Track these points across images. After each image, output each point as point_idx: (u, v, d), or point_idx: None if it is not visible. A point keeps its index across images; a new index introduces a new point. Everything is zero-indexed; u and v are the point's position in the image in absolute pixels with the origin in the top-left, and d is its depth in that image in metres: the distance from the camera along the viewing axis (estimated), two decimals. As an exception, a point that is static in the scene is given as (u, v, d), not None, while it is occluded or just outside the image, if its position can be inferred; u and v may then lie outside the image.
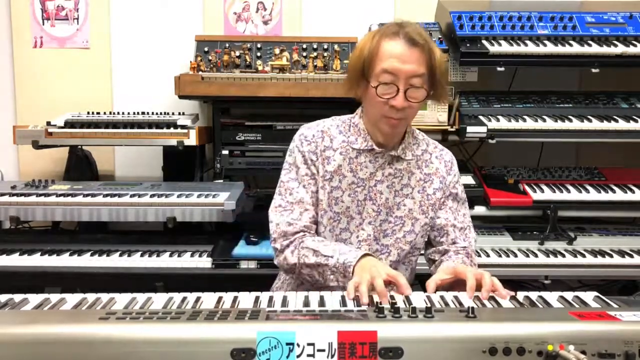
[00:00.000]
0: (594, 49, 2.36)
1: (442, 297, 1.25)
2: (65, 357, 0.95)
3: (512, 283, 2.42)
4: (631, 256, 2.25)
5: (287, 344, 0.94)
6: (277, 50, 2.58)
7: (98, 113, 2.55)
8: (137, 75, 2.86)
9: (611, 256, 2.24)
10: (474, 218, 2.39)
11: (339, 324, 0.97)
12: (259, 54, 2.63)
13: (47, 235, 2.51)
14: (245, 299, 1.23)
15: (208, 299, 1.22)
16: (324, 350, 0.94)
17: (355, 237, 1.54)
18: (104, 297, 1.23)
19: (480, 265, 2.17)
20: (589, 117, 2.39)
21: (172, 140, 2.40)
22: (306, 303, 1.21)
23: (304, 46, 2.65)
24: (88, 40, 2.86)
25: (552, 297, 1.26)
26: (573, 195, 2.35)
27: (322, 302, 1.21)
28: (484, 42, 2.38)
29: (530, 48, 2.36)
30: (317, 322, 1.00)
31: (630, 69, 2.65)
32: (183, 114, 2.58)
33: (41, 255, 2.21)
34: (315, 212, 1.53)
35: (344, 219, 1.53)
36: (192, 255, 2.21)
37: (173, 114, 2.55)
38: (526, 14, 2.48)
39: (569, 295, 1.27)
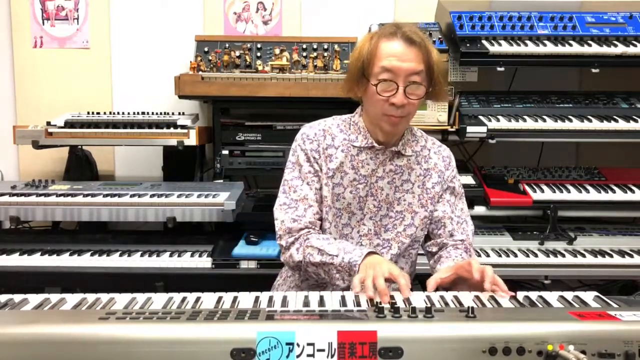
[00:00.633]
0: (594, 49, 2.36)
1: (442, 297, 1.25)
2: (65, 357, 0.95)
3: (512, 283, 2.41)
4: (631, 256, 2.25)
5: (287, 343, 0.94)
6: (277, 50, 2.58)
7: (98, 113, 2.55)
8: (137, 75, 2.86)
9: (611, 256, 2.24)
10: (474, 218, 2.39)
11: (339, 324, 0.97)
12: (259, 54, 2.63)
13: (47, 235, 2.50)
14: (245, 299, 1.23)
15: (208, 299, 1.22)
16: (323, 350, 0.94)
17: (356, 232, 1.56)
18: (104, 297, 1.23)
19: (480, 265, 2.18)
20: (589, 117, 2.39)
21: (172, 140, 2.40)
22: (306, 303, 1.21)
23: (304, 46, 2.65)
24: (88, 40, 2.86)
25: (552, 297, 1.26)
26: (573, 195, 2.34)
27: (322, 302, 1.21)
28: (484, 42, 2.38)
29: (530, 48, 2.36)
30: (317, 322, 1.00)
31: (630, 69, 2.65)
32: (183, 114, 2.58)
33: (41, 255, 2.21)
34: (319, 209, 1.55)
35: (345, 214, 1.56)
36: (192, 255, 2.21)
37: (173, 114, 2.56)
38: (526, 14, 2.48)
39: (569, 295, 1.27)
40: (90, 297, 1.23)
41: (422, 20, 2.61)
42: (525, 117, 2.39)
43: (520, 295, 1.26)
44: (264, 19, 2.87)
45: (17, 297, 1.22)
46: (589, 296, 1.26)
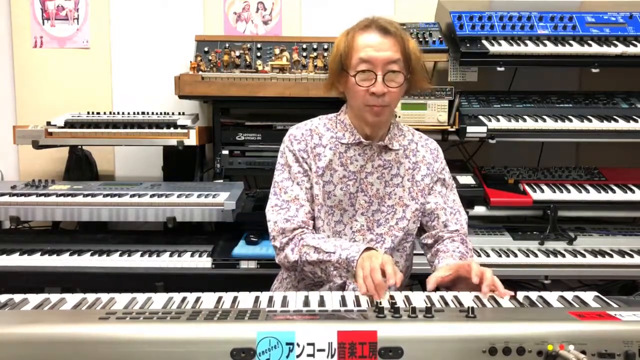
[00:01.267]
0: (594, 49, 2.36)
1: (442, 297, 1.25)
2: (65, 357, 0.95)
3: (512, 283, 2.42)
4: (631, 256, 2.24)
5: (287, 343, 0.94)
6: (277, 50, 2.58)
7: (98, 113, 2.55)
8: (137, 75, 2.86)
9: (611, 256, 2.24)
10: (474, 218, 2.42)
11: (339, 324, 0.97)
12: (259, 54, 2.63)
13: (47, 235, 2.50)
14: (245, 299, 1.23)
15: (208, 299, 1.22)
16: (323, 350, 0.94)
17: (349, 228, 1.57)
18: (104, 297, 1.23)
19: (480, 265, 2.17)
20: (589, 117, 2.38)
21: (172, 140, 2.40)
22: (306, 303, 1.21)
23: (304, 46, 2.65)
24: (88, 40, 2.86)
25: (552, 297, 1.26)
26: (573, 195, 2.34)
27: (322, 302, 1.21)
28: (484, 42, 2.38)
29: (530, 48, 2.36)
30: (317, 322, 1.00)
31: (630, 69, 2.65)
32: (183, 114, 2.58)
33: (41, 255, 2.21)
34: (311, 208, 1.56)
35: (337, 212, 1.57)
36: (192, 255, 2.21)
37: (173, 114, 2.56)
38: (526, 14, 2.48)
39: (569, 295, 1.27)
40: (90, 297, 1.23)
41: (422, 20, 2.61)
42: (525, 117, 2.39)
43: (520, 295, 1.26)
44: (264, 19, 2.87)
45: (17, 297, 1.22)
46: (589, 296, 1.26)
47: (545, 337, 0.96)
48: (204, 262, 2.17)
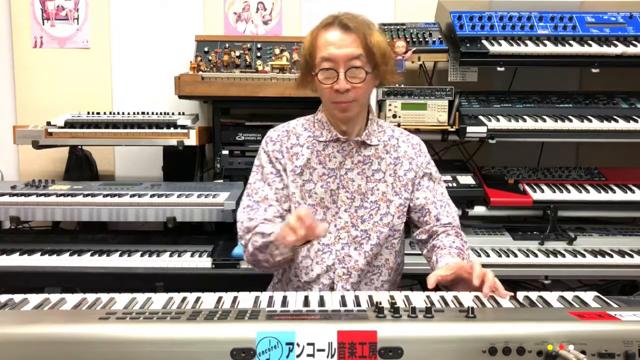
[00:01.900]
0: (594, 49, 2.36)
1: (442, 297, 1.25)
2: (65, 357, 0.95)
3: (512, 283, 2.42)
4: (631, 256, 2.24)
5: (287, 343, 0.94)
6: (277, 50, 2.58)
7: (98, 113, 2.55)
8: (137, 75, 2.86)
9: (611, 256, 2.24)
10: (474, 218, 2.42)
11: (339, 324, 0.97)
12: (259, 54, 2.63)
13: (47, 235, 2.51)
14: (245, 299, 1.23)
15: (208, 299, 1.22)
16: (323, 350, 0.94)
17: (333, 226, 1.57)
18: (104, 297, 1.23)
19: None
20: (589, 117, 2.38)
21: (172, 140, 2.40)
22: (306, 303, 1.21)
23: (304, 46, 2.64)
24: (88, 40, 2.86)
25: (552, 297, 1.26)
26: (573, 195, 2.34)
27: (322, 302, 1.21)
28: (484, 42, 2.38)
29: (530, 48, 2.36)
30: (317, 322, 1.00)
31: (630, 69, 2.65)
32: (183, 114, 2.58)
33: (41, 255, 2.21)
34: (282, 208, 1.57)
35: (320, 210, 1.58)
36: (192, 255, 2.21)
37: (173, 114, 2.56)
38: (526, 14, 2.48)
39: (569, 295, 1.27)
40: (90, 297, 1.23)
41: (422, 20, 2.61)
42: (525, 117, 2.39)
43: (520, 295, 1.26)
44: (264, 19, 2.87)
45: (17, 297, 1.22)
46: (589, 296, 1.26)
47: (545, 337, 0.96)
48: (204, 262, 2.17)
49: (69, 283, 2.12)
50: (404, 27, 2.52)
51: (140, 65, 2.86)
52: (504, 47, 2.36)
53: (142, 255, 2.21)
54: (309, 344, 0.94)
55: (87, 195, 2.25)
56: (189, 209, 2.20)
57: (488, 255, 2.24)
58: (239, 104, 2.63)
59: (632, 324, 1.00)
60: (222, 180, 2.52)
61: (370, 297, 1.25)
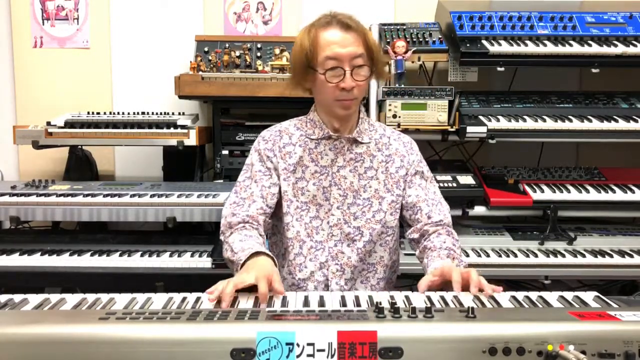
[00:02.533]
0: (594, 49, 2.36)
1: (442, 297, 1.25)
2: (65, 357, 0.95)
3: (512, 283, 2.42)
4: (631, 256, 2.24)
5: (287, 344, 0.94)
6: (277, 50, 2.58)
7: (98, 113, 2.55)
8: (137, 75, 2.86)
9: (611, 256, 2.24)
10: (474, 218, 2.42)
11: (339, 324, 0.97)
12: (259, 54, 2.63)
13: (47, 235, 2.50)
14: (245, 299, 1.23)
15: (208, 299, 1.21)
16: (323, 350, 0.94)
17: (326, 223, 1.59)
18: (104, 297, 1.23)
19: (480, 265, 2.18)
20: (589, 117, 2.38)
21: (172, 140, 2.40)
22: (306, 303, 1.21)
23: (304, 46, 2.64)
24: (88, 40, 2.86)
25: (552, 297, 1.26)
26: (573, 195, 2.34)
27: (321, 302, 1.21)
28: (484, 42, 2.38)
29: (530, 48, 2.36)
30: (317, 322, 1.00)
31: (630, 69, 2.65)
32: (183, 114, 2.58)
33: (41, 255, 2.21)
34: (264, 205, 1.57)
35: (312, 207, 1.59)
36: (192, 255, 2.21)
37: (173, 114, 2.56)
38: (526, 14, 2.48)
39: (569, 295, 1.27)
40: (90, 297, 1.23)
41: (422, 20, 2.61)
42: (525, 117, 2.39)
43: (520, 295, 1.26)
44: (264, 19, 2.87)
45: (17, 297, 1.21)
46: (589, 296, 1.26)
47: (545, 337, 0.96)
48: (204, 262, 2.17)
49: (69, 283, 2.11)
50: (404, 27, 2.52)
51: (140, 65, 2.86)
52: (504, 47, 2.36)
53: (142, 255, 2.21)
54: (309, 344, 0.94)
55: (87, 195, 2.25)
56: (189, 209, 2.20)
57: (488, 255, 2.25)
58: (239, 104, 2.63)
59: (632, 324, 1.00)
60: (222, 180, 2.52)
61: (370, 297, 1.25)
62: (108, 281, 2.14)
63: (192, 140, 2.39)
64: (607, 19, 2.48)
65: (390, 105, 2.34)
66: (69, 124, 2.44)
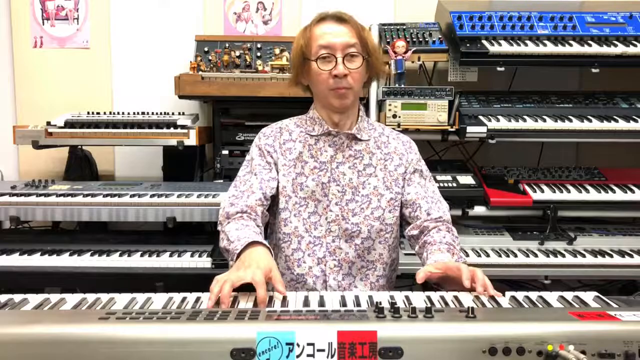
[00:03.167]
0: (594, 49, 2.36)
1: (442, 297, 1.25)
2: (65, 357, 0.95)
3: (512, 283, 2.42)
4: (631, 256, 2.24)
5: (287, 344, 0.94)
6: (277, 50, 2.58)
7: (98, 113, 2.55)
8: (137, 75, 2.86)
9: (611, 256, 2.24)
10: (474, 218, 2.42)
11: (339, 324, 0.97)
12: (259, 54, 2.63)
13: (47, 235, 2.50)
14: (245, 299, 1.23)
15: (208, 299, 1.21)
16: (323, 350, 0.94)
17: (324, 219, 1.60)
18: (104, 297, 1.23)
19: (480, 265, 2.17)
20: (589, 117, 2.38)
21: (172, 140, 2.40)
22: (306, 303, 1.21)
23: (304, 46, 2.64)
24: (88, 40, 2.86)
25: (552, 297, 1.26)
26: (573, 195, 2.34)
27: (322, 302, 1.21)
28: (484, 42, 2.38)
29: (530, 48, 2.36)
30: (317, 322, 1.00)
31: (630, 69, 2.65)
32: (183, 114, 2.58)
33: (41, 255, 2.21)
34: (263, 197, 1.58)
35: (311, 203, 1.60)
36: (192, 255, 2.21)
37: (173, 114, 2.55)
38: (526, 14, 2.48)
39: (569, 295, 1.27)
40: (90, 297, 1.23)
41: (422, 20, 2.61)
42: (525, 117, 2.39)
43: (520, 295, 1.26)
44: (264, 19, 2.87)
45: (17, 297, 1.22)
46: (589, 296, 1.26)
47: (545, 337, 0.96)
48: (204, 262, 2.17)
49: (69, 283, 2.11)
50: (404, 27, 2.52)
51: (140, 65, 2.86)
52: (504, 47, 2.36)
53: (142, 256, 2.21)
54: (309, 344, 0.94)
55: (87, 195, 2.25)
56: (189, 209, 2.20)
57: (488, 255, 2.24)
58: (239, 104, 2.63)
59: (632, 324, 1.00)
60: (222, 180, 2.52)
61: (370, 297, 1.25)
62: (108, 281, 2.13)
63: (192, 140, 2.39)
64: (607, 19, 2.48)
65: (390, 105, 2.34)
66: (69, 124, 2.44)
